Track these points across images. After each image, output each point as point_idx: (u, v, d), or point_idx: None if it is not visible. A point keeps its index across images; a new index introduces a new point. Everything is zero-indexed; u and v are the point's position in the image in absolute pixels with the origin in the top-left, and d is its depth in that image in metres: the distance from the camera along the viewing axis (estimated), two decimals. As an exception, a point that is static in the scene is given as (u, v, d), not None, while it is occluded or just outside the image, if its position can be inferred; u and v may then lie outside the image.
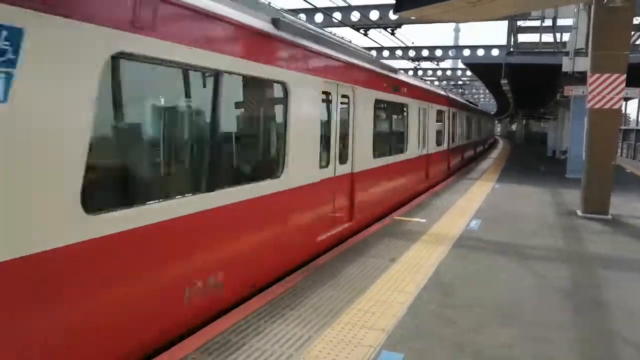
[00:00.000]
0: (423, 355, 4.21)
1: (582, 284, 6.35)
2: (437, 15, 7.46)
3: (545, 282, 6.30)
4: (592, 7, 10.89)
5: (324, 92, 7.31)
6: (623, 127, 36.50)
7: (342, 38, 9.06)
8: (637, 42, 21.29)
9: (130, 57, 3.81)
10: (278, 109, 6.34)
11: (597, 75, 10.47)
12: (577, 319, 5.15)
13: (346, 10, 16.41)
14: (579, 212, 11.15)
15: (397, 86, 11.12)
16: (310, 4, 13.30)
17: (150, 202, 4.13)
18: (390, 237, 8.32)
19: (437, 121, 15.75)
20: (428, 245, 7.82)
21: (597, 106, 10.57)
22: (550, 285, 6.20)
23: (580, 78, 16.95)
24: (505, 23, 19.98)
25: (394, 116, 11.91)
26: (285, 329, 4.59)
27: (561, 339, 4.62)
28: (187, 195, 4.55)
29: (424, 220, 9.75)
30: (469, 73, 33.75)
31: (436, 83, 30.61)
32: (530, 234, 9.02)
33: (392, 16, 16.41)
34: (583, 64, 16.01)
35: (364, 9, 16.22)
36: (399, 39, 17.75)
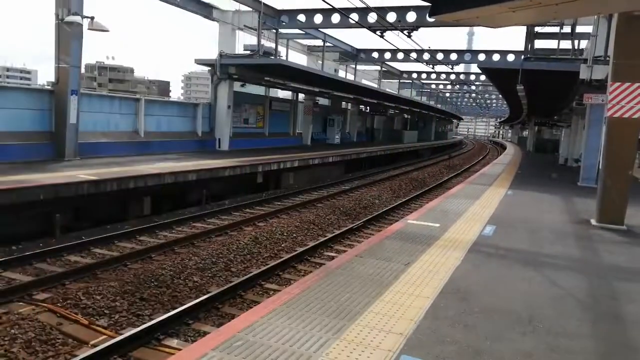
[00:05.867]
0: (443, 361, 4.17)
1: (600, 295, 6.27)
2: (472, 20, 7.42)
3: (563, 292, 6.23)
4: (615, 15, 10.77)
5: None
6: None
7: None
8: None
9: None
10: None
11: (617, 84, 10.36)
12: (598, 331, 5.08)
13: (363, 11, 16.33)
14: (593, 222, 11.04)
15: None
16: (329, 4, 13.27)
17: None
18: (403, 241, 8.27)
19: None
20: (442, 251, 7.77)
21: (616, 115, 10.45)
22: (568, 295, 6.12)
23: (597, 86, 16.78)
24: (521, 29, 19.83)
25: None
26: (302, 330, 4.56)
27: (582, 350, 4.56)
28: None
29: (437, 225, 9.69)
30: (482, 77, 33.57)
31: (449, 87, 30.37)
32: (545, 242, 8.94)
33: (410, 19, 16.34)
34: (601, 71, 15.87)
35: (382, 11, 16.13)
36: (414, 42, 17.66)
